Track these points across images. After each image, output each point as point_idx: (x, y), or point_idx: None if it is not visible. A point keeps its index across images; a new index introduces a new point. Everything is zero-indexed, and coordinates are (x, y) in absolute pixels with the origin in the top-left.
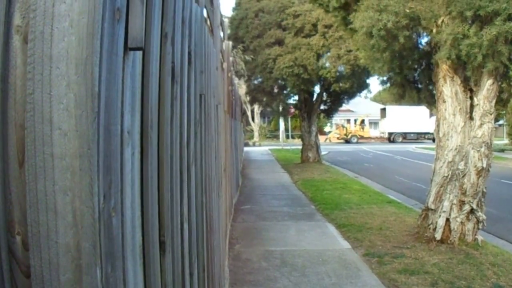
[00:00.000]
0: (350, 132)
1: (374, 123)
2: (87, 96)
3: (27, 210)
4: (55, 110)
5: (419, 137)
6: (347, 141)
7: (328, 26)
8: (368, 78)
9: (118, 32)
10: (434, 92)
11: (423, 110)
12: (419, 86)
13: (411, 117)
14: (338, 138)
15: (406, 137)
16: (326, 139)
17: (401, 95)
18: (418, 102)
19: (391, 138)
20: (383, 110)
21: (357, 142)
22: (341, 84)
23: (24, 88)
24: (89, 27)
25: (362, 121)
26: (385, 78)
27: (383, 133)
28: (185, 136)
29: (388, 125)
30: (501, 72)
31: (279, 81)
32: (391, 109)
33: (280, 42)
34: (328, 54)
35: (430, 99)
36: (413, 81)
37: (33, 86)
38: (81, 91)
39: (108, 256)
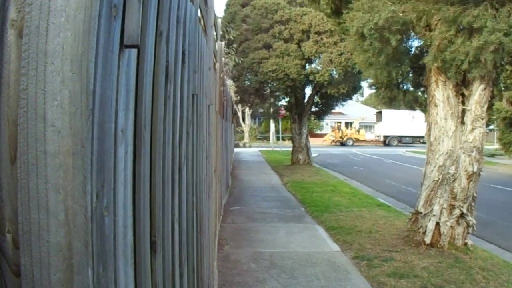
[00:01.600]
0: (346, 135)
1: (366, 127)
2: (82, 93)
3: (19, 208)
4: (49, 107)
5: (414, 140)
6: (343, 144)
7: (321, 32)
8: (360, 81)
9: (115, 29)
10: (426, 96)
11: (418, 114)
12: (410, 89)
13: (407, 121)
14: (334, 141)
15: (401, 140)
16: (329, 140)
17: (391, 99)
18: (406, 106)
19: (386, 142)
20: (379, 114)
21: (352, 145)
22: (334, 89)
23: (17, 83)
24: (85, 23)
25: (354, 127)
26: (370, 80)
27: (378, 136)
28: (177, 136)
29: (384, 129)
30: (493, 77)
31: (265, 85)
32: (387, 112)
33: (268, 47)
34: (320, 59)
35: (414, 103)
36: (401, 84)
37: (27, 81)
38: (76, 88)
39: (100, 256)
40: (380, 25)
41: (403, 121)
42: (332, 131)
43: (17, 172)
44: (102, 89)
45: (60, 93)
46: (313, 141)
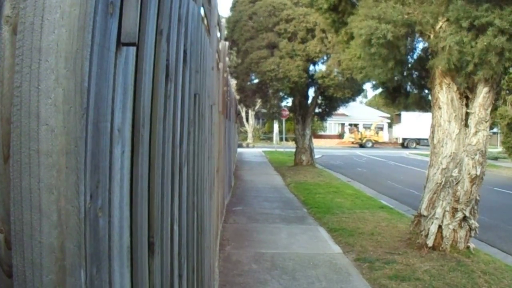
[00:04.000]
0: (365, 137)
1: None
2: (76, 91)
3: (11, 208)
4: (42, 105)
5: None
6: (362, 146)
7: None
8: (363, 84)
9: (111, 26)
10: (430, 98)
11: None
12: (413, 91)
13: (425, 123)
14: (352, 143)
15: (419, 143)
16: (348, 142)
17: (392, 100)
18: (407, 107)
19: (405, 144)
20: (398, 116)
21: (372, 147)
22: (339, 93)
23: (11, 81)
24: (80, 20)
25: (373, 129)
26: (374, 82)
27: (397, 138)
28: (178, 135)
29: (402, 131)
30: (497, 80)
31: (266, 85)
32: (406, 115)
33: (273, 46)
34: (326, 59)
35: (419, 105)
36: (403, 86)
37: (20, 79)
38: (70, 86)
39: (93, 257)
40: (389, 38)
41: (421, 124)
42: (351, 133)
43: (9, 171)
44: (98, 87)
45: (54, 91)
46: (316, 142)
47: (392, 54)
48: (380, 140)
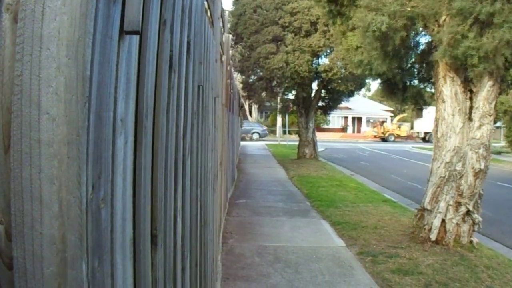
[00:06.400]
0: (388, 131)
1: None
2: (77, 79)
3: (11, 199)
4: (43, 94)
5: None
6: (384, 140)
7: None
8: (366, 78)
9: (114, 14)
10: (433, 91)
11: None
12: (411, 85)
13: None
14: (375, 136)
15: None
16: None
17: (390, 92)
18: (409, 101)
19: (426, 138)
20: (419, 110)
21: (394, 141)
22: (343, 86)
23: (12, 69)
24: (82, 7)
25: (395, 123)
26: (373, 75)
27: (418, 132)
28: (181, 127)
29: (424, 125)
30: (501, 74)
31: (272, 81)
32: (428, 109)
33: (278, 39)
34: (329, 53)
35: (416, 99)
36: (403, 80)
37: (21, 67)
38: (72, 74)
39: (95, 249)
40: (383, 29)
41: None
42: (374, 127)
43: (10, 161)
44: (100, 76)
45: (55, 79)
46: (319, 136)
47: (389, 46)
48: (402, 134)
